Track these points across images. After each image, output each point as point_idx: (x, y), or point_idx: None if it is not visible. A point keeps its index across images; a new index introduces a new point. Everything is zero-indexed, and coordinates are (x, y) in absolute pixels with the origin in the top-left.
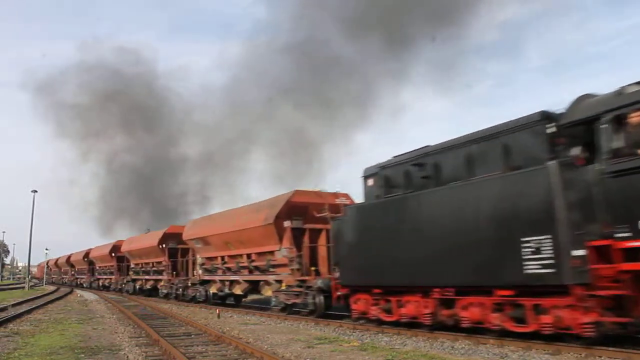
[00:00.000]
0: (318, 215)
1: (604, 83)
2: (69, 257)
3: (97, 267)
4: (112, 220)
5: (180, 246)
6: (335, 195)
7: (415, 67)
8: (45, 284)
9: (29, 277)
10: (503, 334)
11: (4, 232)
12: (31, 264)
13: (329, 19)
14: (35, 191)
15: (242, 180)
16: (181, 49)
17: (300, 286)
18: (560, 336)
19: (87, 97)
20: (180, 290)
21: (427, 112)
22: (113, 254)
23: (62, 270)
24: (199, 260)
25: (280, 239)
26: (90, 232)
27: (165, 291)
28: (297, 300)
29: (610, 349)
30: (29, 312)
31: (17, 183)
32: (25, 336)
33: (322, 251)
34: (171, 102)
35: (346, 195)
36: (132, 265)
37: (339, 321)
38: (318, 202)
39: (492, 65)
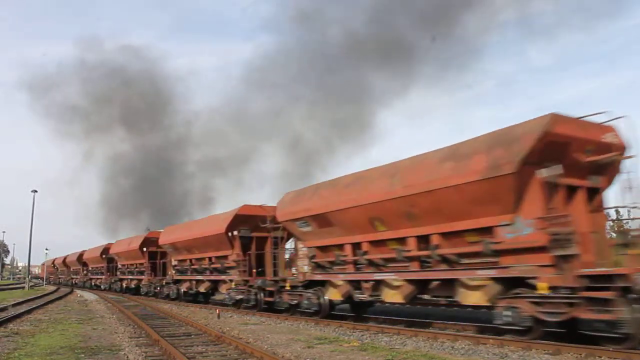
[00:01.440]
0: (588, 159)
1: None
2: (81, 254)
3: (120, 266)
4: (115, 221)
5: (254, 234)
6: (602, 128)
7: (415, 67)
8: (46, 284)
9: (29, 277)
10: None
11: (4, 232)
12: (32, 263)
13: (328, 21)
14: (35, 191)
15: (244, 181)
16: (181, 49)
17: None
18: (559, 335)
19: (88, 96)
20: (262, 294)
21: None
22: (144, 249)
23: (72, 270)
24: (304, 251)
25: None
26: (90, 232)
27: (239, 297)
28: None
29: (610, 349)
30: (29, 312)
31: (17, 183)
32: (25, 336)
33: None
34: (172, 101)
35: (613, 130)
36: (175, 263)
37: (339, 321)
38: (583, 137)
39: (492, 65)
